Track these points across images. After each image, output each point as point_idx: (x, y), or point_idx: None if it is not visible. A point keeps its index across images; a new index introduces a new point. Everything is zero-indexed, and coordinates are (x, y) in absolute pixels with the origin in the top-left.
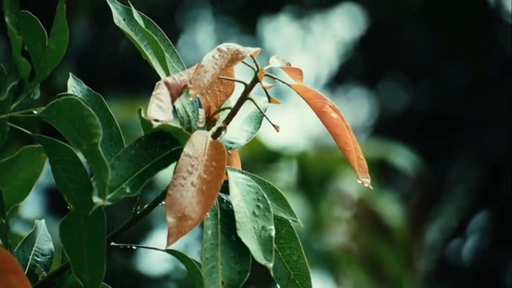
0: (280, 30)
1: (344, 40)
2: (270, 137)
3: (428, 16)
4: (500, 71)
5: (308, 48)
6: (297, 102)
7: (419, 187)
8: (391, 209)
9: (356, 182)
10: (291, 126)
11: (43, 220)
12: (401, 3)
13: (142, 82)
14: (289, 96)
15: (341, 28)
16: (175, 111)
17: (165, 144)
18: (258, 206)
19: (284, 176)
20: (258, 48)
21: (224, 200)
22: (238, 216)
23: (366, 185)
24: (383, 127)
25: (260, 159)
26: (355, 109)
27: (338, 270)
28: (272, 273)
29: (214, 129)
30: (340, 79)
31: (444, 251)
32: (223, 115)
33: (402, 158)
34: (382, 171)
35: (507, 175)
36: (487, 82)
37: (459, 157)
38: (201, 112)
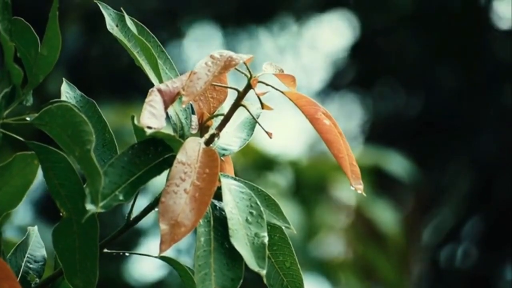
0: (273, 36)
1: (337, 46)
2: (265, 144)
3: (419, 23)
4: (492, 77)
5: (301, 54)
6: (291, 108)
7: (413, 194)
8: (386, 216)
9: (351, 189)
10: (285, 133)
11: (36, 227)
12: (393, 10)
13: (135, 89)
14: (282, 102)
15: (333, 34)
16: (168, 118)
17: (158, 151)
18: (251, 213)
19: (279, 183)
20: (251, 55)
21: (217, 207)
22: (231, 223)
23: (359, 191)
24: (376, 133)
25: (254, 166)
26: (347, 115)
27: (333, 277)
28: (265, 280)
29: (207, 135)
30: (332, 85)
31: (437, 257)
32: (216, 122)
33: (397, 165)
34: (376, 178)
35: (499, 181)
36: (478, 87)
37: (452, 163)
38: (194, 118)
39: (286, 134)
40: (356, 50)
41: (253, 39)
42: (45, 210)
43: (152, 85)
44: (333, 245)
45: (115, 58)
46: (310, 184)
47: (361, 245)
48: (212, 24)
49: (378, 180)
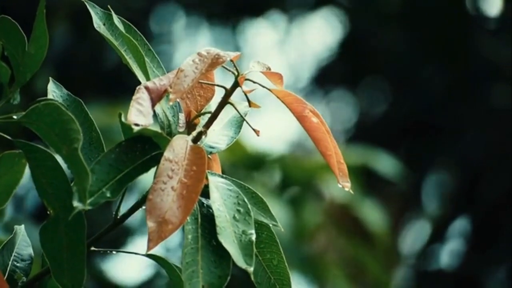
0: (260, 34)
1: (324, 44)
2: (252, 142)
3: (407, 21)
4: (479, 77)
5: (288, 51)
6: (278, 106)
7: (399, 193)
8: (373, 215)
9: (338, 187)
10: (273, 131)
11: (23, 226)
12: (380, 8)
13: (122, 87)
14: (270, 100)
15: (321, 32)
16: (155, 115)
17: (146, 148)
18: (238, 211)
19: (267, 182)
20: (238, 53)
21: (205, 205)
22: (218, 221)
23: (347, 189)
24: (362, 132)
25: (242, 164)
26: (334, 113)
27: (320, 276)
28: (252, 278)
29: (194, 133)
30: (320, 83)
31: (423, 256)
32: (203, 120)
33: (384, 164)
34: (364, 177)
35: (486, 180)
36: (466, 87)
37: (439, 162)
38: (182, 116)
39: (274, 132)
40: (344, 48)
41: (240, 36)
42: (32, 209)
43: (139, 83)
44: (321, 243)
45: (103, 57)
46: (298, 183)
47: (349, 244)
48: (201, 20)
49: (365, 179)
